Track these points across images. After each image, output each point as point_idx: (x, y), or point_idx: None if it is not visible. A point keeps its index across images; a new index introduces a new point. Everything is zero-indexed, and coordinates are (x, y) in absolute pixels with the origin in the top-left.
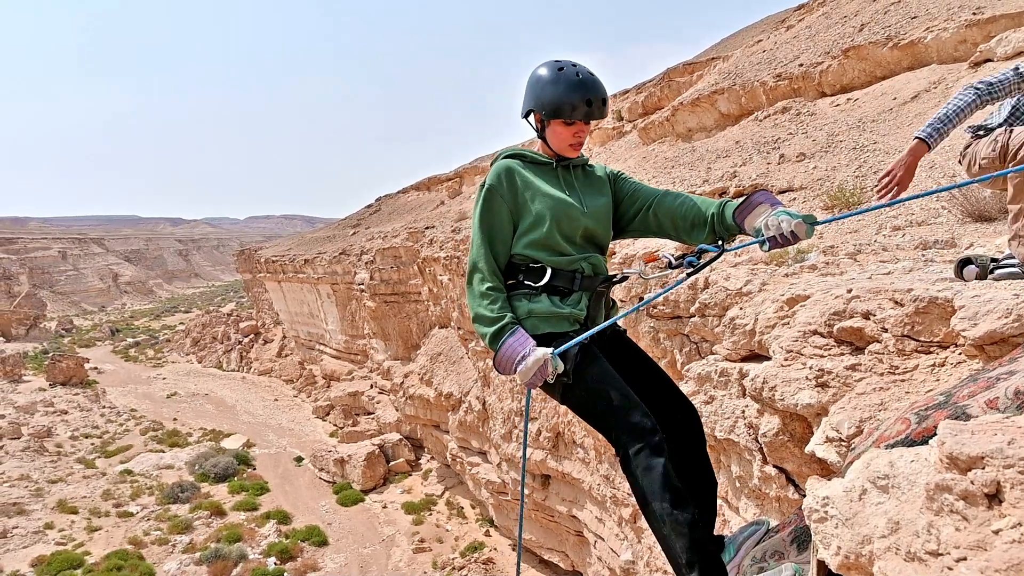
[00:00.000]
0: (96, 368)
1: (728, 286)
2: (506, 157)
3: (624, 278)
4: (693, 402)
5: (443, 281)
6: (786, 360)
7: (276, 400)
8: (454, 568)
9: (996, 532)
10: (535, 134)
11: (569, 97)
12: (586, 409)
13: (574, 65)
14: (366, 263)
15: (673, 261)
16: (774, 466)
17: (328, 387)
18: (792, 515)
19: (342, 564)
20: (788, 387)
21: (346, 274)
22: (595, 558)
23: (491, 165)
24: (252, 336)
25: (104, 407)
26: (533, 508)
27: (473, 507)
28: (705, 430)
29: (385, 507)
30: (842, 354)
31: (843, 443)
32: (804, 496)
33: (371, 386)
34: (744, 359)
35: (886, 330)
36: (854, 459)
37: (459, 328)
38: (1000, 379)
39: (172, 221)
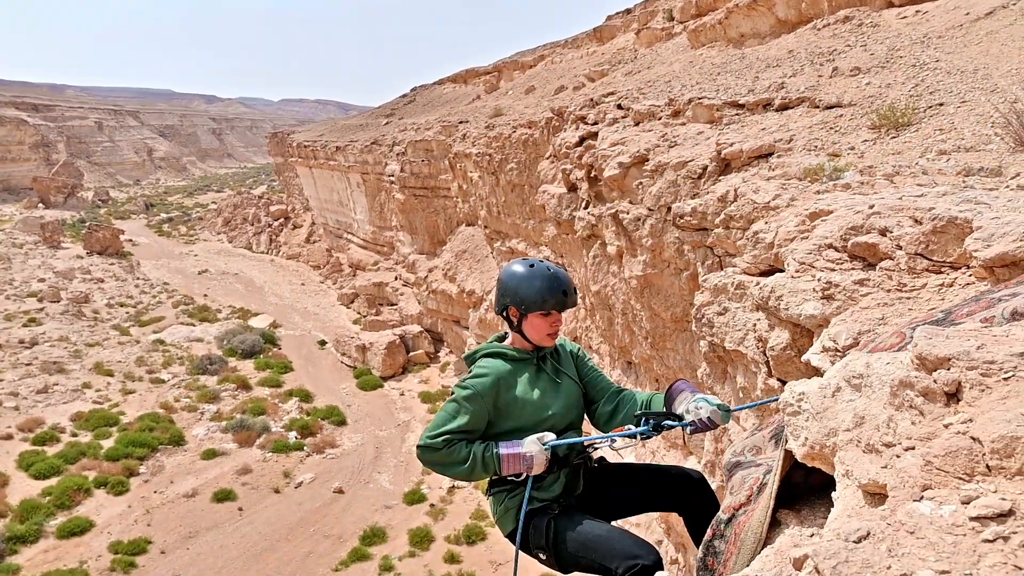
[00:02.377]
0: (131, 240)
1: (756, 199)
2: (487, 356)
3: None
4: (706, 313)
5: (473, 178)
6: (797, 271)
7: (303, 284)
8: None
9: (946, 426)
10: (509, 327)
11: (546, 290)
12: (577, 558)
13: (541, 262)
14: (397, 154)
15: (637, 432)
16: (778, 379)
17: (354, 275)
18: (777, 416)
19: (359, 444)
20: (794, 297)
21: (377, 164)
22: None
23: (470, 361)
24: (282, 220)
25: (138, 278)
26: None
27: None
28: (715, 340)
29: (402, 394)
30: (853, 269)
31: (839, 353)
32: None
33: (395, 278)
34: (763, 273)
35: (900, 247)
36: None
37: (485, 227)
38: (1002, 300)
39: (206, 99)
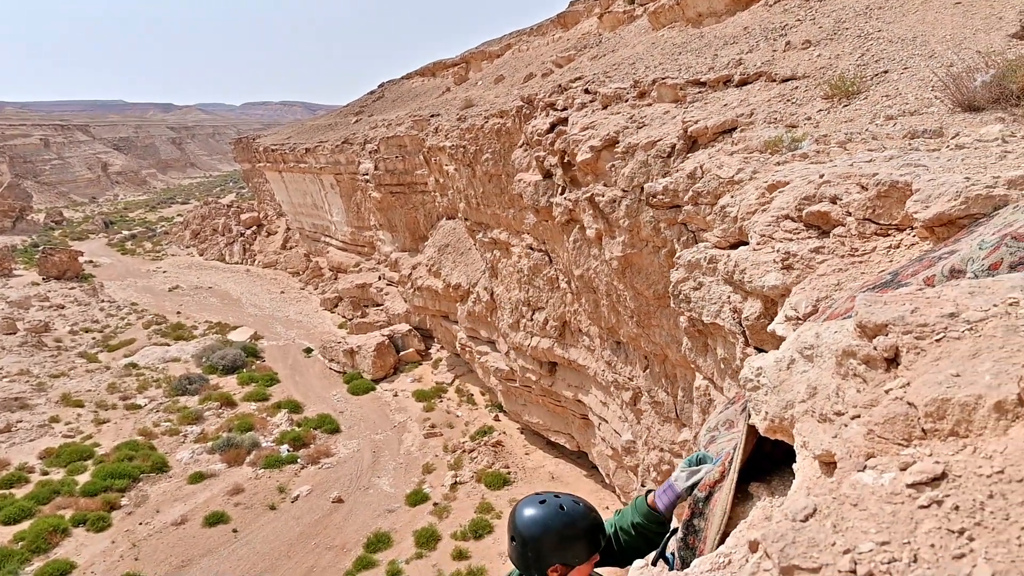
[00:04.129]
0: (91, 262)
1: (721, 174)
2: None
3: None
4: (682, 288)
5: (449, 171)
6: (758, 244)
7: (283, 292)
8: (464, 451)
9: (887, 391)
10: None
11: (591, 533)
12: None
13: (557, 496)
14: (370, 152)
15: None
16: (755, 348)
17: (335, 279)
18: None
19: (355, 450)
20: (756, 270)
21: (350, 164)
22: (599, 439)
23: None
24: (254, 228)
25: (103, 301)
26: (540, 394)
27: (483, 394)
28: (693, 315)
29: (396, 395)
30: (809, 237)
31: (799, 321)
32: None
33: (379, 278)
34: (732, 246)
35: (850, 214)
36: None
37: (466, 219)
38: (942, 258)
39: (162, 107)
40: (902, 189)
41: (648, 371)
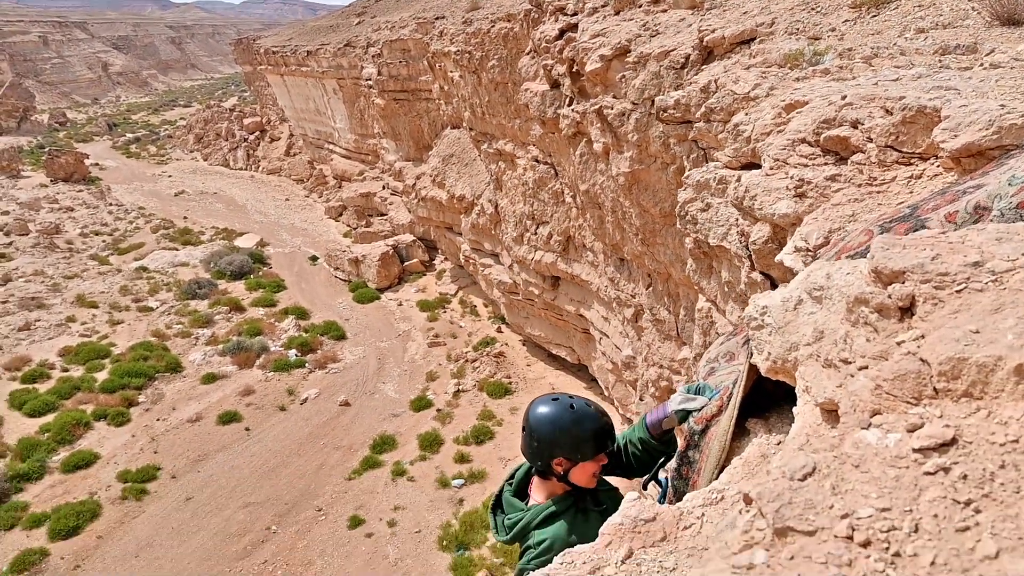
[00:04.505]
0: (97, 164)
1: (736, 90)
2: (540, 525)
3: None
4: (689, 209)
5: (454, 78)
6: (771, 169)
7: (287, 200)
8: (467, 361)
9: (899, 344)
10: (542, 476)
11: (600, 434)
12: None
13: (571, 397)
14: (373, 56)
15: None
16: (760, 272)
17: (339, 187)
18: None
19: (361, 356)
20: (768, 196)
21: (352, 68)
22: (599, 353)
23: (518, 537)
24: (258, 133)
25: (111, 204)
26: (543, 307)
27: (486, 306)
28: (699, 236)
29: (400, 304)
30: (825, 163)
31: (810, 253)
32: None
33: (383, 187)
34: (744, 167)
35: (871, 140)
36: None
37: (471, 129)
38: (967, 192)
39: (160, 4)
40: (930, 115)
41: (651, 289)
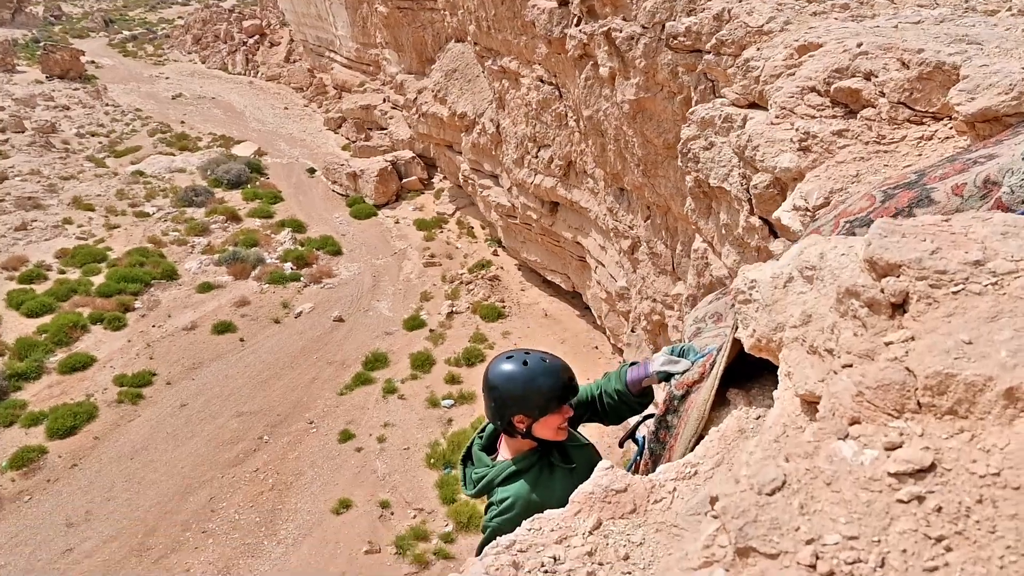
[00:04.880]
0: (94, 62)
1: (749, 22)
2: (503, 482)
3: None
4: (692, 147)
5: None
6: (777, 118)
7: (286, 108)
8: (462, 282)
9: (887, 344)
10: (507, 435)
11: (556, 387)
12: None
13: (527, 353)
14: None
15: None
16: (760, 217)
17: (339, 98)
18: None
19: (356, 273)
20: (771, 148)
21: None
22: (594, 282)
23: (484, 490)
24: (257, 37)
25: (107, 105)
26: (540, 232)
27: (483, 228)
28: (700, 176)
29: (397, 222)
30: (833, 116)
31: (808, 213)
32: (780, 235)
33: (384, 100)
34: (750, 105)
35: (883, 95)
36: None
37: (475, 44)
38: (977, 162)
39: None
40: (948, 72)
41: (649, 221)
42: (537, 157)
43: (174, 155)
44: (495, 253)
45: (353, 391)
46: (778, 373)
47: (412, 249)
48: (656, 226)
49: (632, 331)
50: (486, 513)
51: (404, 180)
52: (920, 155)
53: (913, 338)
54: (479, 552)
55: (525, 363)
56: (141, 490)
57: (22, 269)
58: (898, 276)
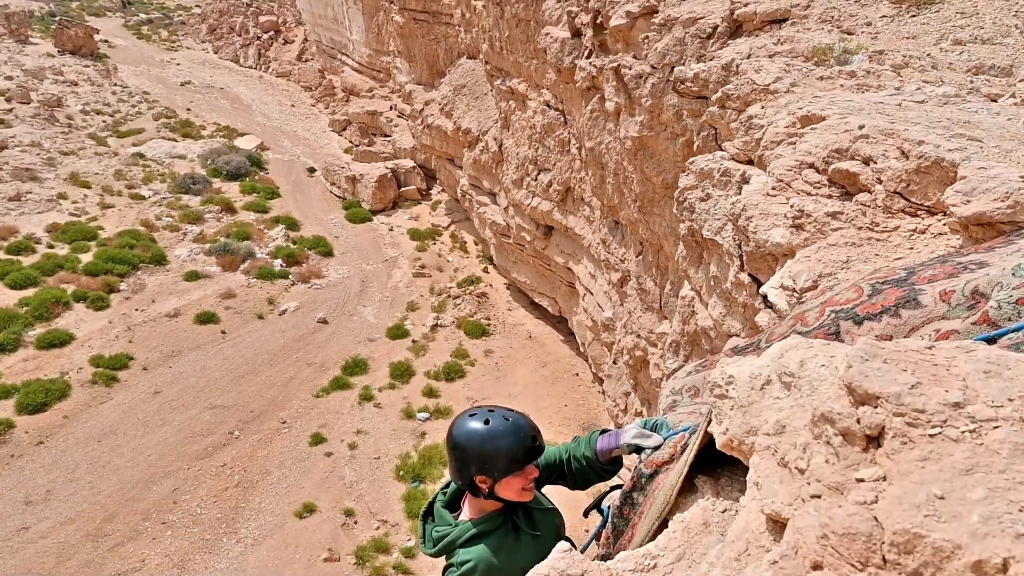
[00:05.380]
0: (107, 41)
1: (756, 80)
2: (466, 543)
3: None
4: (688, 197)
5: (477, 7)
6: (774, 189)
7: (293, 106)
8: (449, 296)
9: (859, 480)
10: (472, 494)
11: (515, 446)
12: None
13: (491, 411)
14: None
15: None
16: (749, 275)
17: (347, 101)
18: (723, 355)
19: (345, 276)
20: (764, 220)
21: None
22: (581, 309)
23: (445, 550)
24: (272, 33)
25: (116, 85)
26: (533, 254)
27: (476, 244)
28: (694, 226)
29: (391, 229)
30: (829, 197)
31: (795, 294)
32: (771, 307)
33: (391, 107)
34: (749, 162)
35: (880, 182)
36: (776, 340)
37: (487, 62)
38: (968, 268)
39: None
40: (946, 169)
41: (641, 257)
42: (536, 180)
43: (176, 141)
44: (485, 270)
45: (329, 395)
46: (747, 479)
47: (403, 258)
48: (647, 263)
49: (614, 363)
50: (444, 573)
51: (402, 188)
52: (912, 248)
53: (885, 478)
54: None
55: (487, 421)
56: (105, 474)
57: (11, 240)
58: (876, 407)
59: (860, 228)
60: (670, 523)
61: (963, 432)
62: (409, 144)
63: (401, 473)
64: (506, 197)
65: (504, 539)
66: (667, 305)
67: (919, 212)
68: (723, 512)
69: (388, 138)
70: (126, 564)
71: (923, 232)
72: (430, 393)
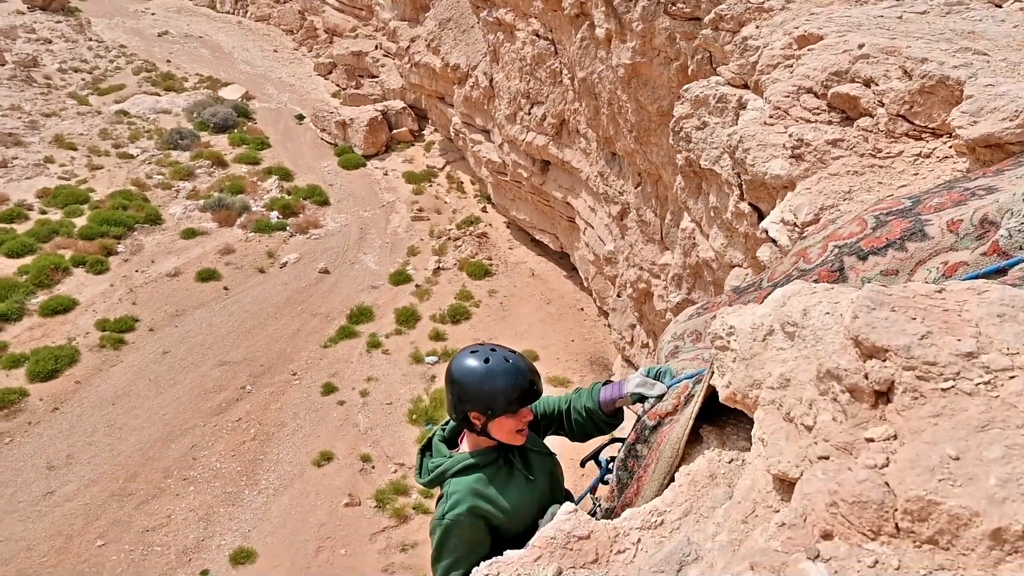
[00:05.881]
0: None
1: None
2: (456, 475)
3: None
4: (684, 126)
5: None
6: (771, 118)
7: (275, 51)
8: (450, 238)
9: (868, 440)
10: (468, 430)
11: (512, 388)
12: None
13: (493, 350)
14: None
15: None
16: (750, 204)
17: (330, 43)
18: (725, 296)
19: (343, 224)
20: (762, 152)
21: None
22: (583, 243)
23: (435, 482)
24: None
25: (91, 40)
26: (530, 191)
27: (473, 183)
28: (691, 156)
29: (386, 174)
30: (829, 123)
31: (796, 228)
32: (774, 242)
33: (376, 47)
34: (746, 86)
35: (883, 104)
36: (778, 278)
37: None
38: (975, 195)
39: None
40: (951, 88)
41: (640, 189)
42: (530, 114)
43: (159, 95)
44: (484, 210)
45: (337, 344)
46: (752, 433)
47: (400, 202)
48: (646, 194)
49: (618, 296)
50: (436, 508)
51: (394, 131)
52: (916, 174)
53: (896, 436)
54: (434, 562)
55: (487, 360)
56: (123, 436)
57: (3, 208)
58: (884, 360)
59: (862, 155)
60: (677, 476)
61: (977, 384)
62: (398, 84)
63: (414, 417)
64: (500, 133)
65: (496, 474)
66: (668, 236)
67: (924, 135)
68: (729, 463)
69: (376, 79)
70: (153, 520)
71: (928, 156)
72: (437, 336)
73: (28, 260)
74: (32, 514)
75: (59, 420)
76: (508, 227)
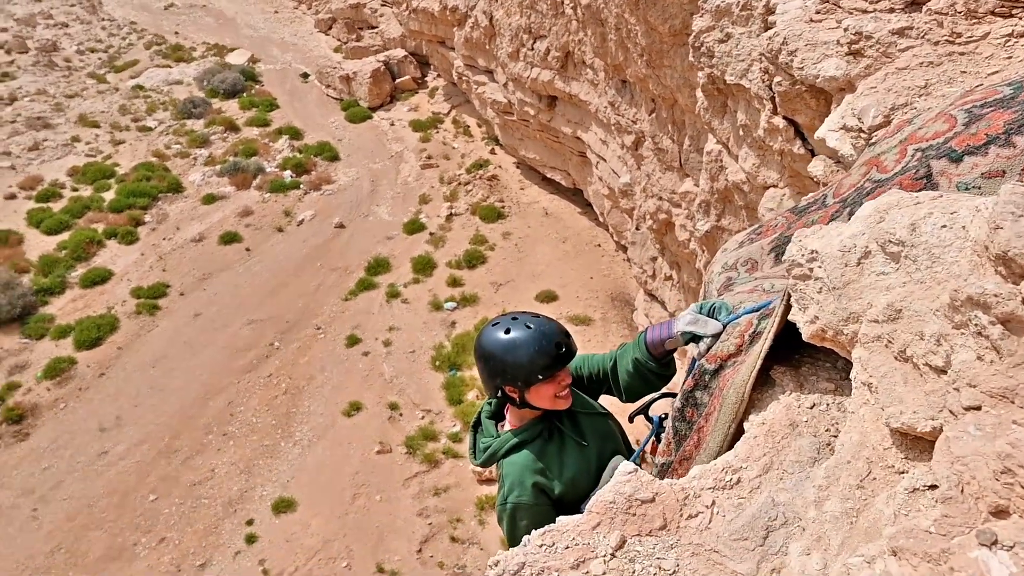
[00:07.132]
0: None
1: None
2: (507, 454)
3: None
4: (705, 40)
5: None
6: (818, 13)
7: (276, 12)
8: (460, 184)
9: None
10: (511, 404)
11: (541, 354)
12: None
13: (514, 319)
14: None
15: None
16: (784, 117)
17: None
18: (781, 217)
19: (354, 178)
20: (812, 52)
21: None
22: (596, 178)
23: (489, 461)
24: None
25: (103, 19)
26: (538, 128)
27: (479, 126)
28: (714, 72)
29: (393, 124)
30: (891, 10)
31: (863, 135)
32: (812, 152)
33: None
34: None
35: None
36: (846, 192)
37: None
38: None
39: None
40: None
41: (654, 115)
42: (533, 49)
43: (171, 67)
44: (492, 152)
45: (357, 296)
46: (851, 377)
47: (408, 151)
48: (662, 120)
49: (637, 228)
50: (498, 494)
51: (397, 80)
52: (1009, 58)
53: None
54: (511, 544)
55: (508, 330)
56: (164, 397)
57: (39, 188)
58: None
59: (937, 43)
60: (747, 426)
61: None
62: (398, 33)
63: (437, 363)
64: (503, 72)
65: (546, 445)
66: (688, 162)
67: (1015, 11)
68: (811, 408)
69: (375, 29)
70: (198, 475)
71: (1022, 36)
72: (454, 283)
73: (65, 236)
74: (90, 473)
75: (106, 385)
76: (518, 167)
